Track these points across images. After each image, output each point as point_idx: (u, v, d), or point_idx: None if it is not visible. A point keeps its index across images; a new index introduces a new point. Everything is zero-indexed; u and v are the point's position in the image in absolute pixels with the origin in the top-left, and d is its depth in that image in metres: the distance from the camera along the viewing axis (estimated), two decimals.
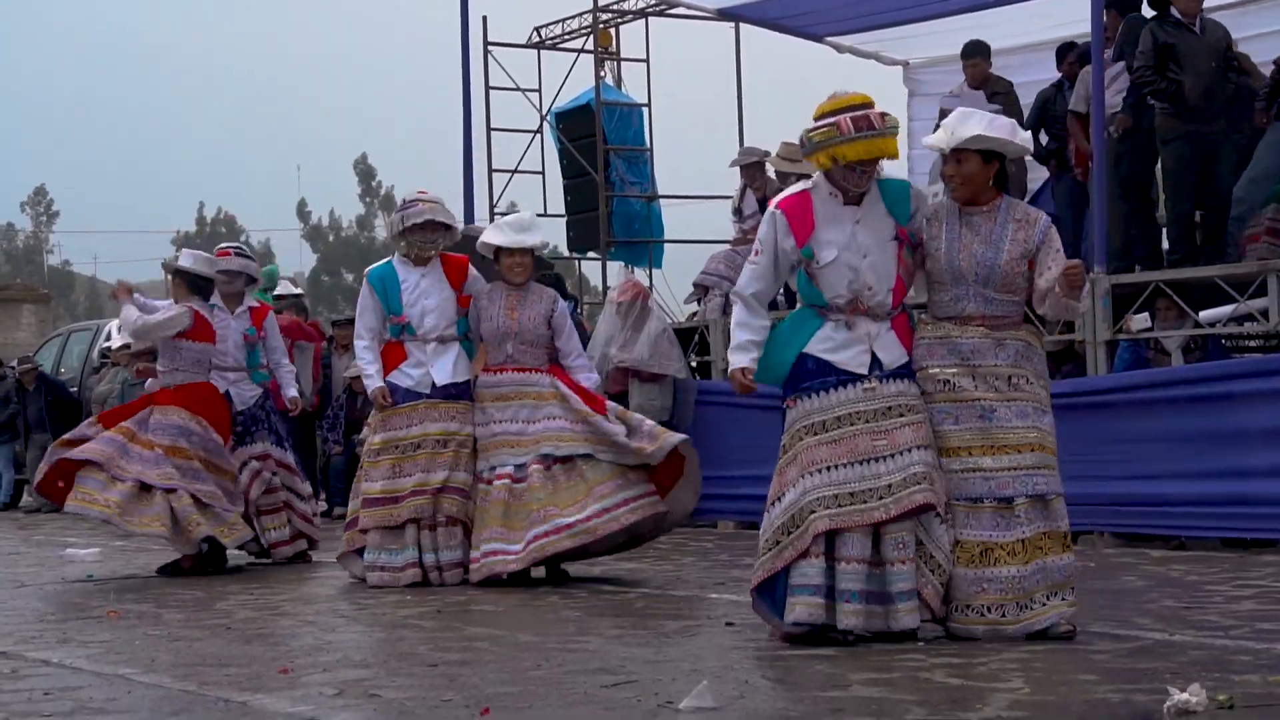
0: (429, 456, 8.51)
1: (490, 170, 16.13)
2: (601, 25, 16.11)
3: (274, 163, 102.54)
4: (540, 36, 16.62)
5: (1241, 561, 8.72)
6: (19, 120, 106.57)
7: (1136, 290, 10.27)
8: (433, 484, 8.45)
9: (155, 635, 6.69)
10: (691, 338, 13.10)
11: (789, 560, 5.82)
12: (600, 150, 15.47)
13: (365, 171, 72.67)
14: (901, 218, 6.03)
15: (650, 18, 16.38)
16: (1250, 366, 9.73)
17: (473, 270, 8.86)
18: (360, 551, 8.64)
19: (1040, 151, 12.05)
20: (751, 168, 13.53)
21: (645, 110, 16.29)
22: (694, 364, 13.10)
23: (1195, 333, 10.20)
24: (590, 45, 16.08)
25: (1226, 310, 10.01)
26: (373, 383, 8.67)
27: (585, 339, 11.39)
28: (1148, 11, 10.91)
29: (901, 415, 5.89)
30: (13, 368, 18.70)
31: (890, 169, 6.20)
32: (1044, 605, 5.81)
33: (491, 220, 12.24)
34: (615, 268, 16.12)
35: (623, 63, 16.67)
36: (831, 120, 5.88)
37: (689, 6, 15.70)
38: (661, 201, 16.35)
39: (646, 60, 16.60)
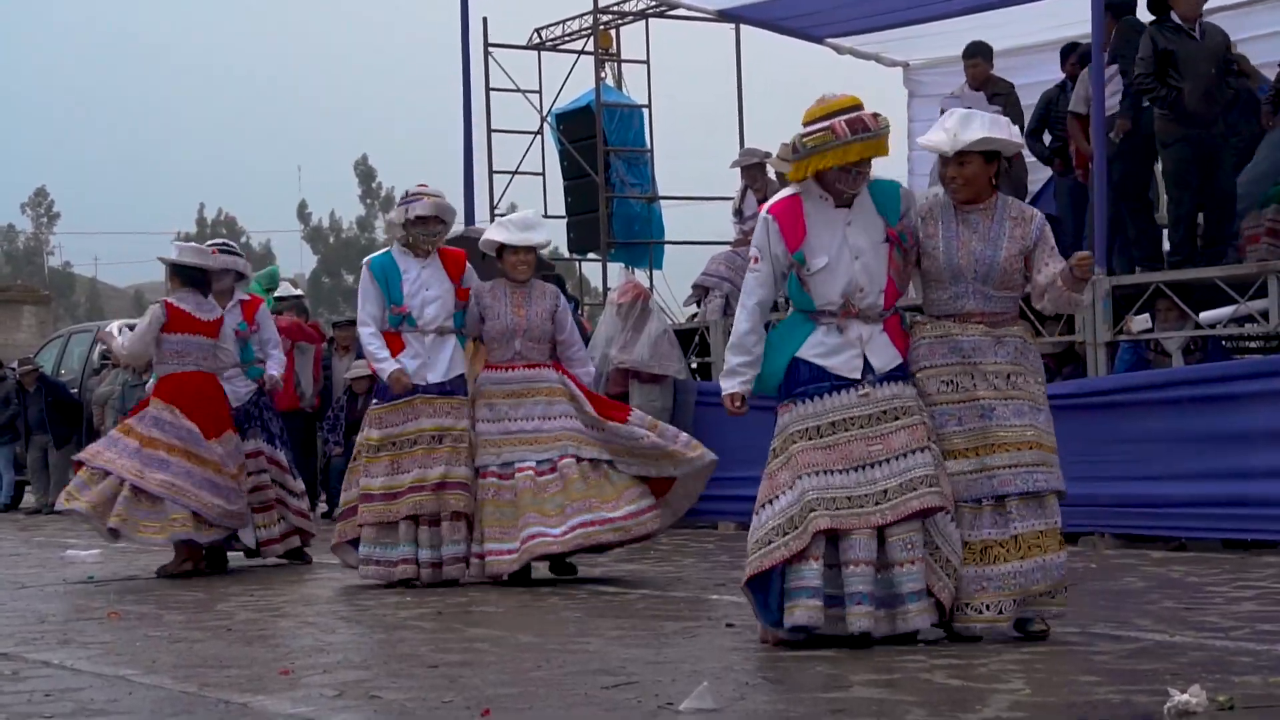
0: (425, 452, 8.53)
1: (491, 171, 16.12)
2: (602, 26, 16.11)
3: (274, 163, 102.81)
4: (540, 38, 16.61)
5: (1242, 563, 8.72)
6: (19, 121, 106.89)
7: (1137, 291, 10.27)
8: (431, 479, 8.47)
9: (156, 637, 6.70)
10: (692, 339, 13.10)
11: (780, 560, 5.75)
12: (601, 151, 15.47)
13: (366, 173, 72.71)
14: (891, 218, 6.00)
15: (650, 19, 16.37)
16: (1251, 368, 9.72)
17: (469, 265, 8.90)
18: (355, 543, 8.69)
19: (1044, 151, 12.05)
20: (752, 169, 13.54)
21: (645, 111, 16.29)
22: (694, 365, 13.10)
23: (1196, 334, 10.20)
24: (590, 46, 16.06)
25: (1227, 311, 10.01)
26: (388, 365, 8.61)
27: (586, 340, 11.40)
28: (1144, 15, 10.89)
29: (896, 419, 5.87)
30: (13, 369, 18.68)
31: (890, 169, 6.19)
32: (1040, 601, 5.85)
33: (492, 221, 12.24)
34: (615, 269, 16.13)
35: (623, 64, 16.67)
36: (825, 124, 5.82)
37: (689, 8, 15.68)
38: (662, 203, 16.36)
39: (647, 61, 16.61)
